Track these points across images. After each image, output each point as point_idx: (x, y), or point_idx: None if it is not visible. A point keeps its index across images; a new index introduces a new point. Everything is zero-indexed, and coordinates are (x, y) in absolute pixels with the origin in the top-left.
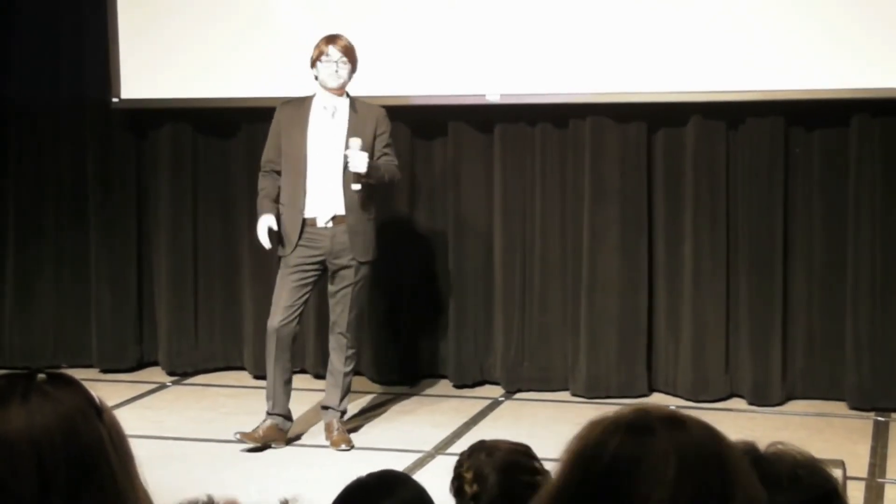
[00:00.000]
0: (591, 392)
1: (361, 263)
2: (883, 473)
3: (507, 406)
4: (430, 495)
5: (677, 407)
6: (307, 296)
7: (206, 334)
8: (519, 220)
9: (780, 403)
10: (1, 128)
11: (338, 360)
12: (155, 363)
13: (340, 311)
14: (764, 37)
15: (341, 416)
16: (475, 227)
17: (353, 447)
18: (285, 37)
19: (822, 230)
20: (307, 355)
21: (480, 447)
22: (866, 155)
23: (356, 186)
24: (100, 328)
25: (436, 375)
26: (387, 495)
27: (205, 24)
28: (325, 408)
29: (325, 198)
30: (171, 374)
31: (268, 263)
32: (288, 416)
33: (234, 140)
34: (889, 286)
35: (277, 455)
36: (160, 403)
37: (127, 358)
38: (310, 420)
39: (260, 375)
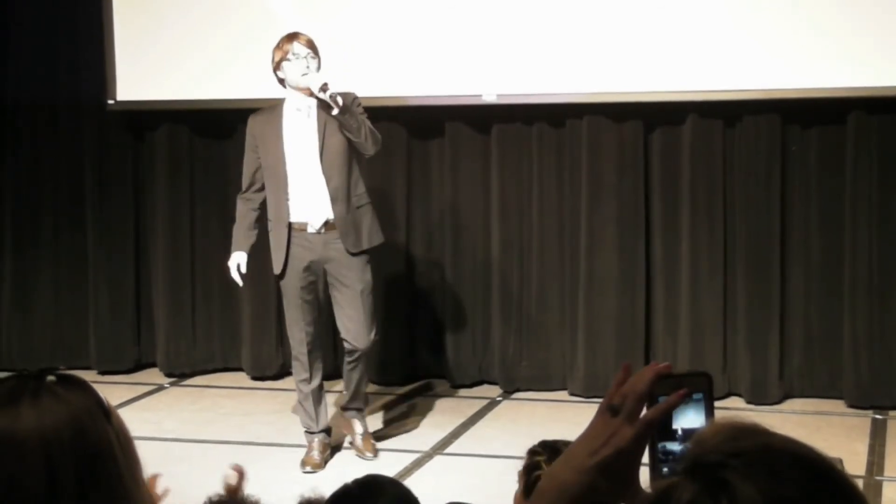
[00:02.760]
0: (589, 391)
1: (360, 264)
2: (881, 471)
3: (506, 406)
4: (415, 497)
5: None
6: (319, 309)
7: (203, 335)
8: (516, 219)
9: (778, 402)
10: None
11: (353, 364)
12: (153, 364)
13: (354, 325)
14: (760, 35)
15: (358, 414)
16: (472, 226)
17: (377, 455)
18: (281, 37)
19: (820, 228)
20: None
21: (546, 445)
22: (863, 153)
23: (330, 93)
24: (98, 330)
25: (434, 375)
26: (370, 501)
27: (201, 26)
28: (344, 409)
29: (311, 202)
30: (168, 375)
31: (265, 264)
32: (329, 430)
33: (231, 141)
34: (886, 283)
35: (276, 457)
36: (158, 405)
37: (125, 359)
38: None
39: (258, 377)
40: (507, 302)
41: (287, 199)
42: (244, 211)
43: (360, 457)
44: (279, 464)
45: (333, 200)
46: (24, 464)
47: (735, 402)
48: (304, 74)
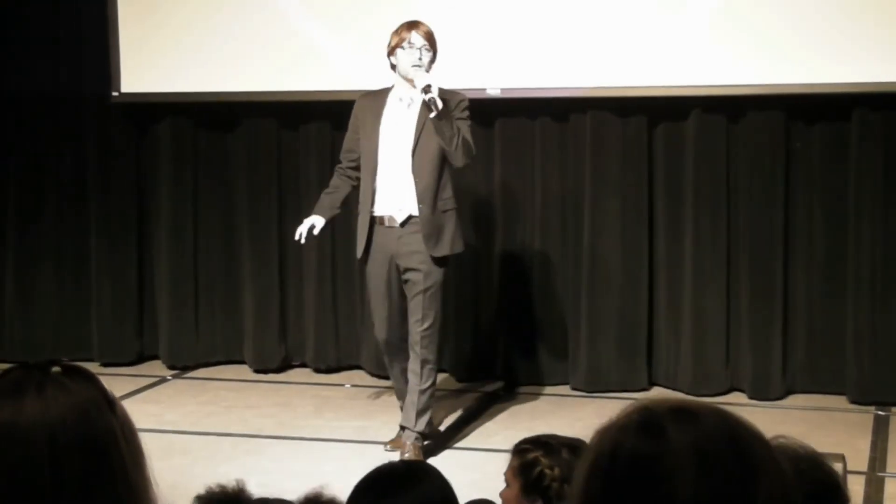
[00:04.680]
0: (591, 386)
1: (433, 264)
2: (883, 467)
3: (507, 400)
4: (455, 494)
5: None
6: (400, 298)
7: (206, 328)
8: (519, 214)
9: (781, 397)
10: (1, 123)
11: (413, 377)
12: (155, 357)
13: (413, 322)
14: (764, 31)
15: (418, 438)
16: (475, 220)
17: None
18: (286, 30)
19: (823, 224)
20: (307, 349)
21: (535, 441)
22: (867, 149)
23: (430, 97)
24: (100, 322)
25: None
26: (410, 486)
27: (205, 18)
28: (402, 428)
29: (396, 196)
30: (171, 367)
31: (268, 257)
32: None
33: (234, 134)
34: (890, 279)
35: (277, 449)
36: (160, 397)
37: (127, 352)
38: (309, 414)
39: (259, 370)
40: (510, 296)
41: (374, 190)
42: (337, 183)
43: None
44: (281, 457)
45: (420, 200)
46: (29, 454)
47: (738, 397)
48: (414, 65)
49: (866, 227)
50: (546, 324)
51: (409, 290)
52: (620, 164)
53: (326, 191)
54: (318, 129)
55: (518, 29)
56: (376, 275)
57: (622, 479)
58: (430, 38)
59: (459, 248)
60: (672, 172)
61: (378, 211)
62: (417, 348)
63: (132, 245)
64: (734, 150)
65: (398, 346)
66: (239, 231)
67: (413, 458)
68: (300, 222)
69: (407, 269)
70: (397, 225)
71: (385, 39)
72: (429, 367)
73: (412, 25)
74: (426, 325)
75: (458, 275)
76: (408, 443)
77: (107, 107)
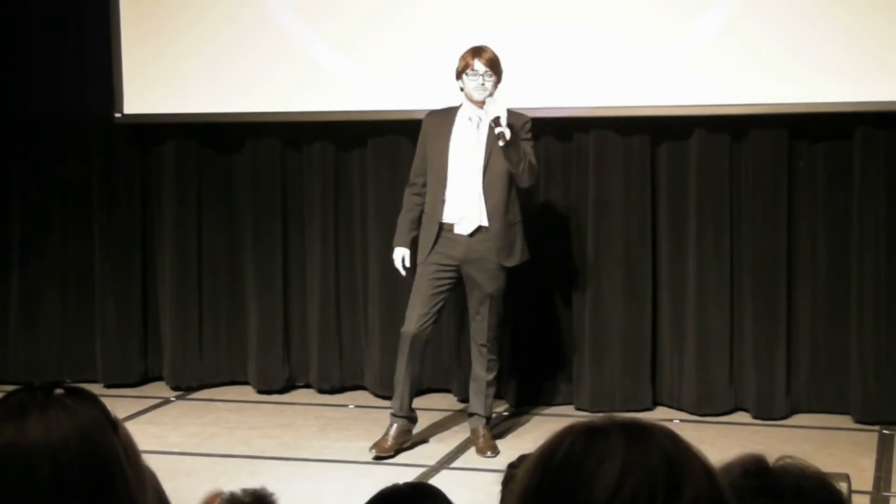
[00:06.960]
0: (596, 406)
1: (499, 270)
2: (888, 487)
3: (511, 420)
4: None
5: (681, 420)
6: (442, 303)
7: (210, 349)
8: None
9: (785, 417)
10: (5, 143)
11: (479, 368)
12: (159, 378)
13: (479, 323)
14: (766, 50)
15: (487, 423)
16: None
17: (498, 454)
18: (289, 51)
19: (827, 242)
20: (311, 370)
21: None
22: (870, 167)
23: (499, 130)
24: (104, 343)
25: (440, 390)
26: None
27: (208, 39)
28: (471, 414)
29: (465, 206)
30: (175, 388)
31: (272, 277)
32: (412, 418)
33: (239, 155)
34: (894, 297)
35: (281, 471)
36: (164, 418)
37: (131, 373)
38: (312, 435)
39: (263, 391)
40: (513, 315)
41: (443, 201)
42: (410, 205)
43: (480, 456)
44: (284, 478)
45: (490, 217)
46: (33, 474)
47: (741, 416)
48: (479, 92)
49: (870, 245)
50: (550, 344)
51: (474, 294)
52: (624, 183)
53: (401, 218)
54: (321, 150)
55: (520, 49)
56: (428, 275)
57: (554, 471)
58: (493, 65)
59: (526, 256)
60: (675, 191)
61: (447, 218)
62: (485, 349)
63: (136, 266)
64: (737, 169)
65: (420, 347)
66: (243, 251)
67: (486, 440)
68: (303, 242)
69: (473, 275)
70: (466, 234)
71: (388, 61)
72: (493, 360)
73: (476, 52)
74: (493, 326)
75: (460, 295)
76: (480, 428)
77: (111, 128)
